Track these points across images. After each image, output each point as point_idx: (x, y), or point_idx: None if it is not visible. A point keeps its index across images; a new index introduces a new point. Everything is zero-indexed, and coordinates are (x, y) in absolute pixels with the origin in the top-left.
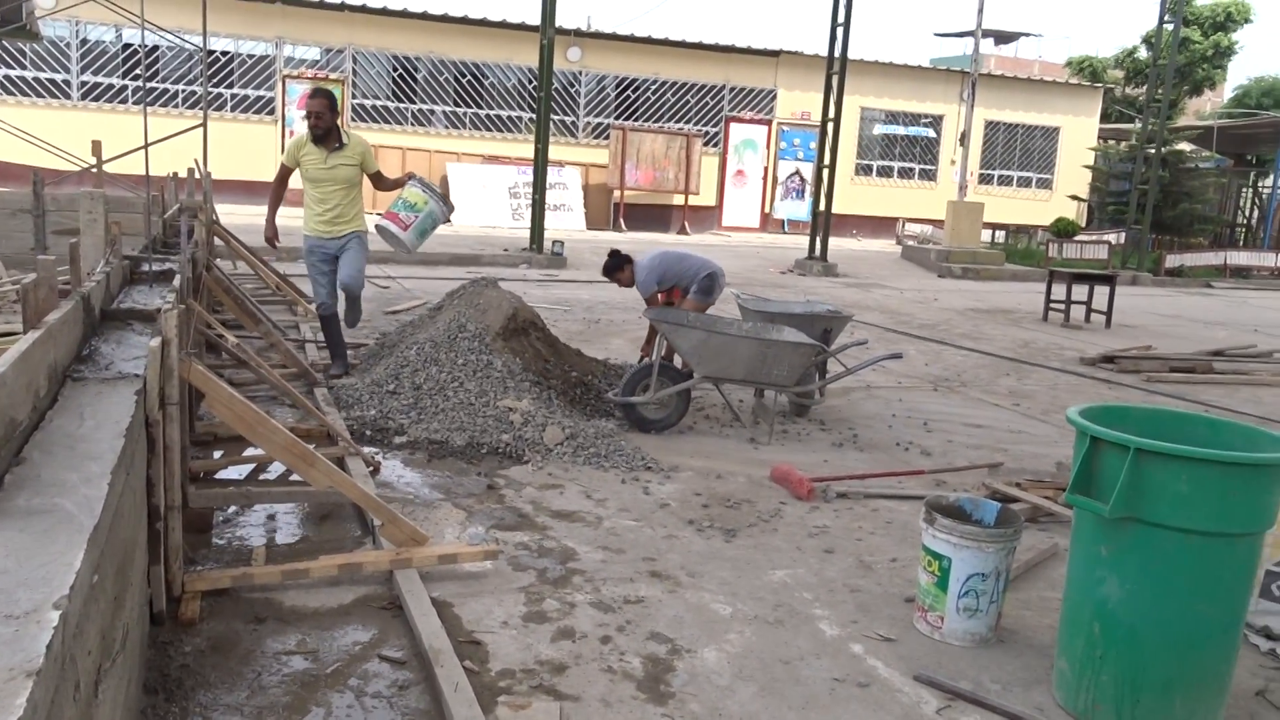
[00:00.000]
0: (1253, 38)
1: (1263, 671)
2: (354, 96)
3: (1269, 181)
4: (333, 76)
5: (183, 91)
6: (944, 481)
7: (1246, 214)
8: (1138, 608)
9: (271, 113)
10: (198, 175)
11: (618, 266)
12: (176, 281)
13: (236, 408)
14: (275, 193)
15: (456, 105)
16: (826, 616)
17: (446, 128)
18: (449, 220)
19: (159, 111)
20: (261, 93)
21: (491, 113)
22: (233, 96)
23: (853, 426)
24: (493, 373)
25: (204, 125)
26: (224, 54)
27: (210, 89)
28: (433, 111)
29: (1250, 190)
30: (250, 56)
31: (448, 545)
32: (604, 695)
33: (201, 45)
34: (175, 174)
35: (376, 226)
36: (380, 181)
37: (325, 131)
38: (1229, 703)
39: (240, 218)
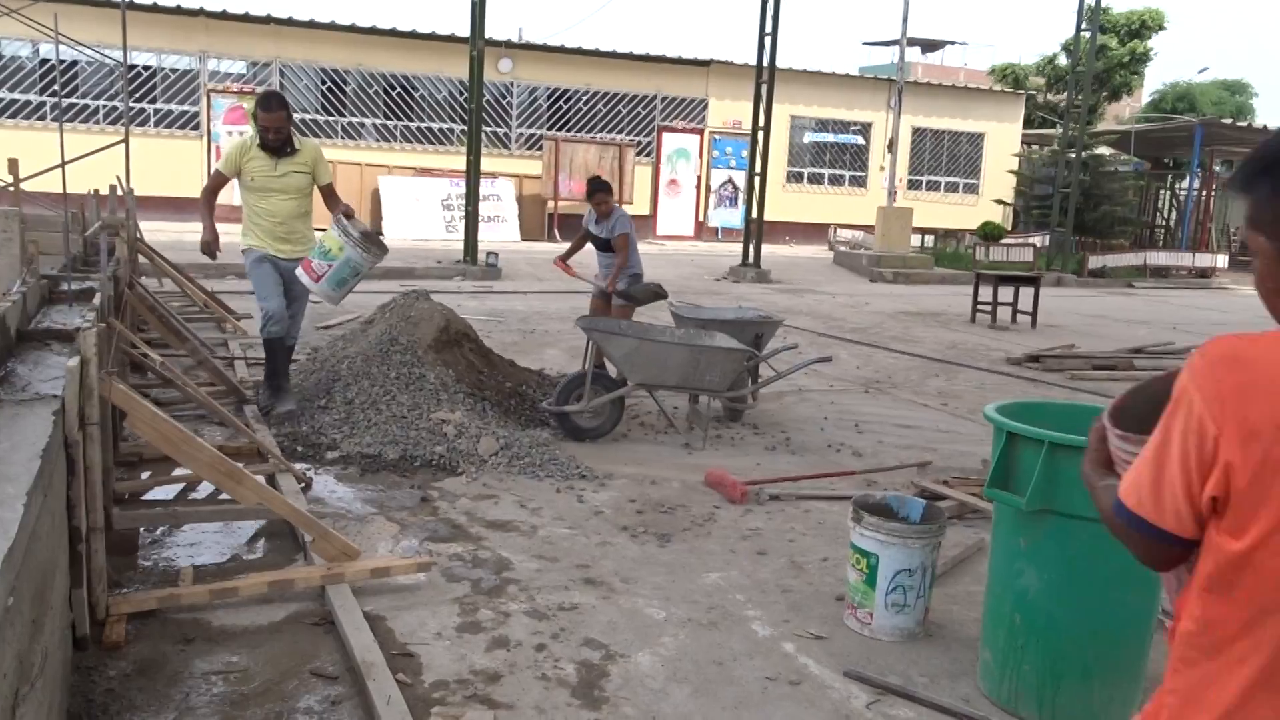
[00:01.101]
0: (1167, 45)
1: None
2: None
3: (1185, 184)
4: (259, 90)
5: (104, 107)
6: (875, 481)
7: (1165, 215)
8: (1056, 598)
9: (196, 128)
10: (120, 192)
11: (608, 189)
12: (97, 300)
13: (160, 426)
14: (207, 200)
15: (387, 118)
16: (759, 617)
17: (377, 141)
18: (375, 264)
19: (79, 128)
20: (186, 108)
21: (423, 125)
22: (156, 112)
23: (785, 430)
24: (425, 385)
25: (125, 141)
26: (146, 69)
27: (132, 104)
28: (363, 125)
29: (1168, 192)
30: (173, 71)
31: (380, 559)
32: (538, 702)
33: (122, 60)
34: (96, 191)
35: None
36: (331, 199)
37: (282, 143)
38: (1148, 688)
39: (166, 235)
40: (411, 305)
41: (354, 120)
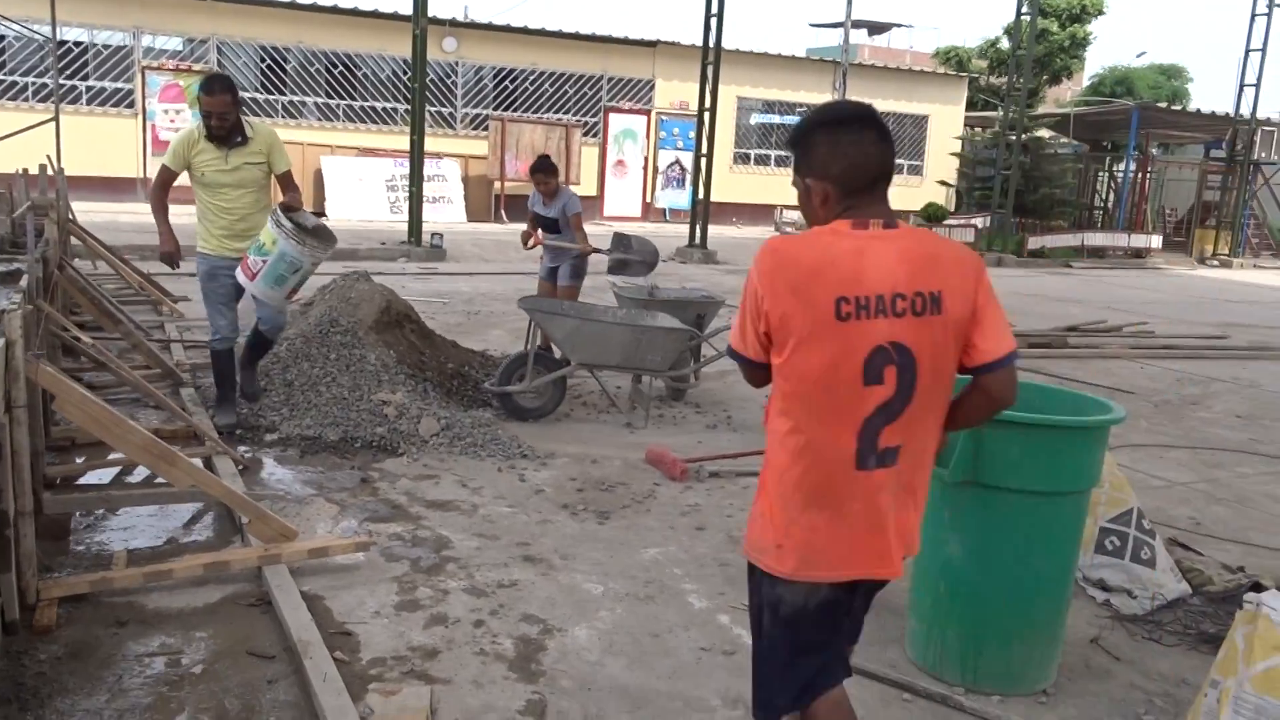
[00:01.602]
0: (1106, 29)
1: (1098, 620)
2: None
3: (1123, 166)
4: (196, 68)
5: (33, 84)
6: None
7: (1103, 197)
8: (979, 566)
9: (131, 106)
10: (50, 171)
11: (554, 170)
12: (24, 282)
13: (89, 409)
14: (159, 202)
15: (329, 97)
16: (695, 590)
17: (319, 120)
18: (319, 259)
19: (7, 105)
20: (120, 85)
21: (366, 104)
22: (88, 89)
23: (727, 408)
24: (366, 366)
25: (56, 120)
26: (77, 44)
27: (63, 82)
28: (304, 103)
29: (1106, 174)
30: (106, 47)
31: (318, 539)
32: (476, 677)
33: (51, 35)
34: (25, 170)
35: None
36: (286, 188)
37: (229, 130)
38: (1066, 649)
39: (100, 215)
40: (352, 286)
41: (295, 99)
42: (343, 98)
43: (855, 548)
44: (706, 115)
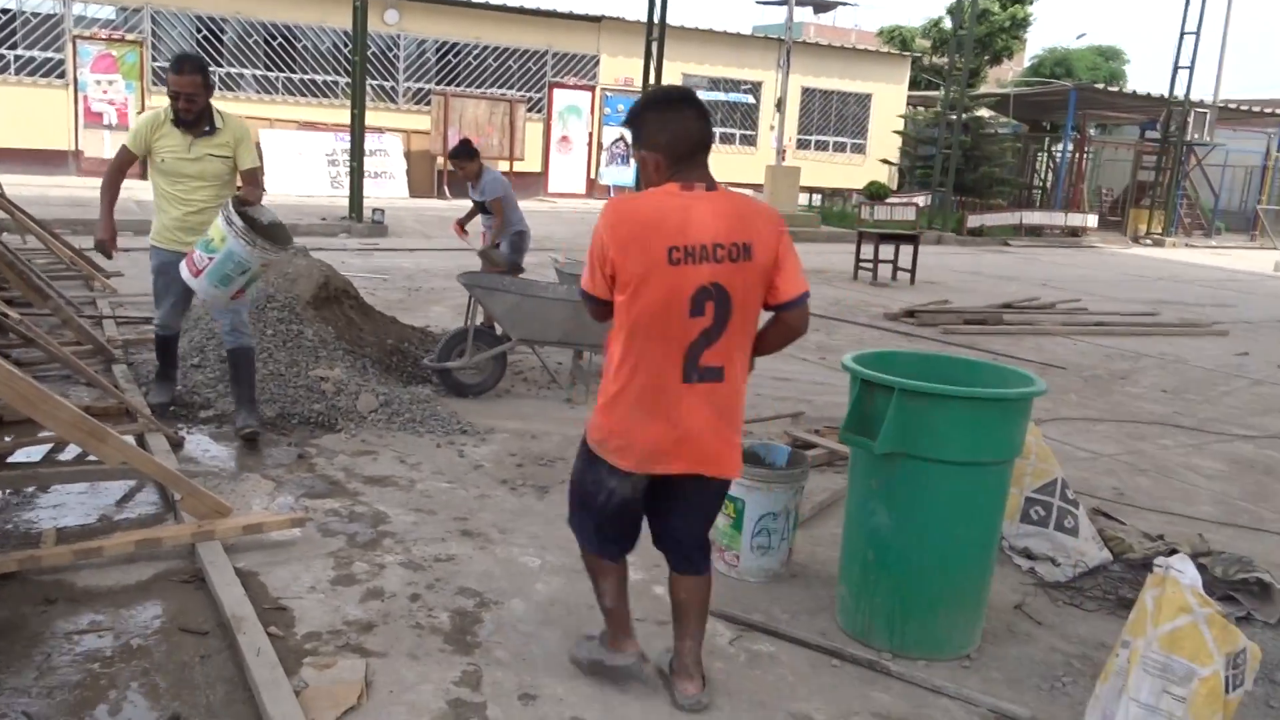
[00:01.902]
0: (1046, 10)
1: (1021, 587)
2: (154, 59)
3: (1061, 146)
4: (130, 37)
5: None
6: (750, 432)
7: (1042, 177)
8: (905, 534)
9: (61, 76)
10: None
11: (469, 155)
12: None
13: (15, 385)
14: (111, 184)
15: (268, 69)
16: (633, 563)
17: (258, 93)
18: (269, 260)
19: None
20: (49, 55)
21: (306, 77)
22: (16, 59)
23: None
24: (303, 342)
25: None
26: (5, 12)
27: None
28: (242, 75)
29: (1045, 154)
30: (35, 15)
31: (253, 515)
32: (411, 649)
33: None
34: None
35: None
36: (249, 185)
37: (197, 116)
38: (990, 615)
39: (29, 189)
40: (289, 262)
41: (232, 71)
42: (282, 70)
43: (681, 446)
44: None
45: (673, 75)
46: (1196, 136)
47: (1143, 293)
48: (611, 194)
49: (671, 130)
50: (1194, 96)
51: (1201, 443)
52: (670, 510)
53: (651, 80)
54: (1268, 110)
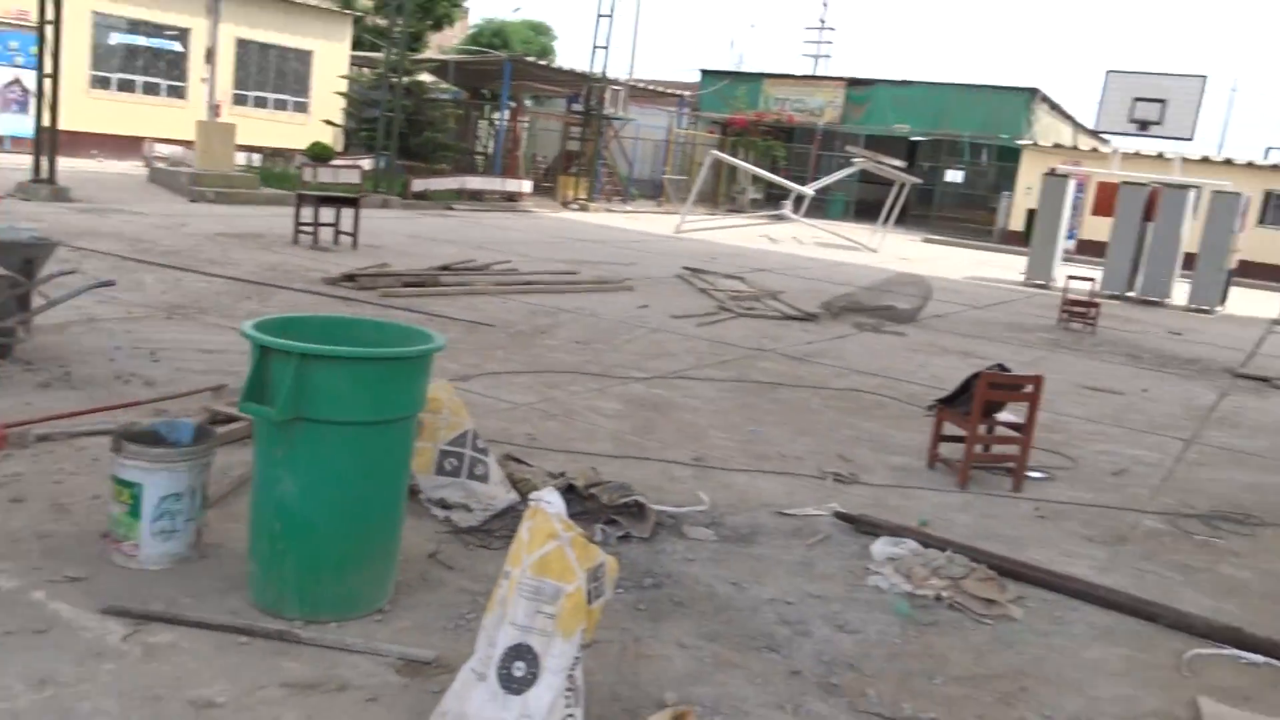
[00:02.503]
0: None
1: (437, 536)
2: None
3: (499, 115)
4: None
5: None
6: (165, 410)
7: (484, 144)
8: (311, 500)
9: None
10: None
11: None
12: None
13: None
14: None
15: None
16: (5, 570)
17: None
18: None
19: None
20: None
21: None
22: None
23: (67, 364)
24: None
25: None
26: None
27: None
28: None
29: (486, 122)
30: None
31: None
32: None
33: None
34: None
35: None
36: None
37: None
38: (405, 566)
39: None
40: None
41: None
42: None
43: None
44: (49, 29)
45: (80, 12)
46: (613, 111)
47: (567, 253)
48: (7, 146)
49: None
50: (611, 75)
51: (604, 386)
52: None
53: (49, 15)
54: (670, 91)
